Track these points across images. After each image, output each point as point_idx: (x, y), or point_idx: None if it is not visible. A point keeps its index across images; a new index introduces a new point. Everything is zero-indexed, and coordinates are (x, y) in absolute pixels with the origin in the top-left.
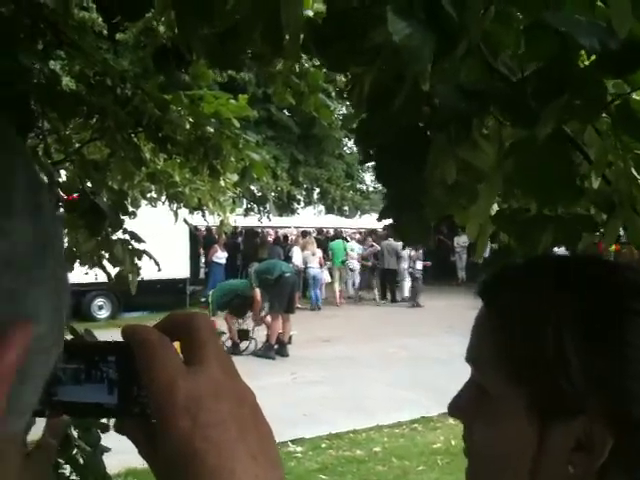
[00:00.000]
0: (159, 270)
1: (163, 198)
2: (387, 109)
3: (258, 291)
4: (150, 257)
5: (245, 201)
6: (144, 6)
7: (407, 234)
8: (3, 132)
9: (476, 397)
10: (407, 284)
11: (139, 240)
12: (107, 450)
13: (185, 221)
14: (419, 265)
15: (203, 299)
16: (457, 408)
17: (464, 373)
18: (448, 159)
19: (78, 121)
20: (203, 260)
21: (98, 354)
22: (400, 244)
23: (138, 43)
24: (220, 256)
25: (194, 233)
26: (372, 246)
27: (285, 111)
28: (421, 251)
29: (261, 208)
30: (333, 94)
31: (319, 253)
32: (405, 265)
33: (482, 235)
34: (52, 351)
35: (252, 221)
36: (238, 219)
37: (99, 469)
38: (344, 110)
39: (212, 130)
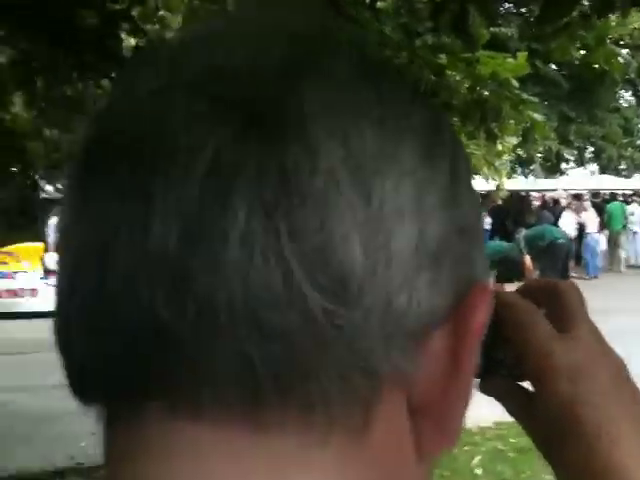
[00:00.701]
0: None
1: None
2: None
3: (528, 258)
4: None
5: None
6: None
7: None
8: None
9: None
10: None
11: None
12: None
13: None
14: None
15: None
16: None
17: None
18: None
19: None
20: None
21: None
22: None
23: (398, 9)
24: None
25: None
26: None
27: (552, 65)
28: None
29: (526, 170)
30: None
31: (595, 217)
32: None
33: None
34: None
35: (516, 184)
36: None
37: None
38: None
39: (489, 92)
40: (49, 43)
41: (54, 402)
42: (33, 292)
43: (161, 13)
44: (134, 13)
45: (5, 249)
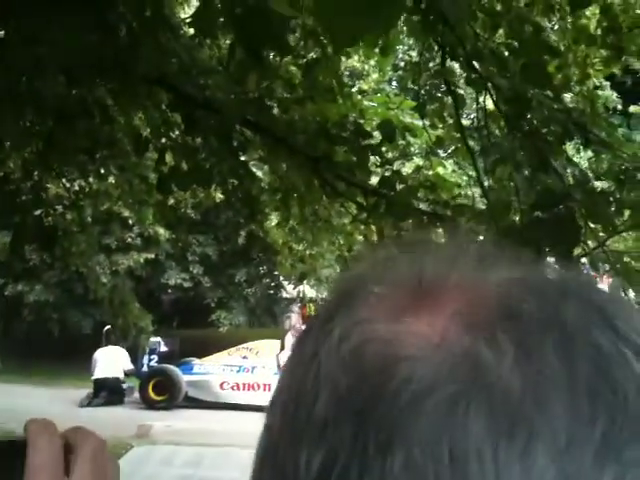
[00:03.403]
0: None
1: None
2: None
3: None
4: None
5: None
6: None
7: None
8: None
9: None
10: None
11: None
12: None
13: None
14: None
15: None
16: None
17: None
18: None
19: None
20: None
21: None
22: None
23: None
24: None
25: None
26: None
27: None
28: None
29: None
30: None
31: None
32: None
33: None
34: None
35: None
36: None
37: None
38: None
39: None
40: (309, 172)
41: None
42: (268, 387)
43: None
44: (385, 149)
45: (247, 344)
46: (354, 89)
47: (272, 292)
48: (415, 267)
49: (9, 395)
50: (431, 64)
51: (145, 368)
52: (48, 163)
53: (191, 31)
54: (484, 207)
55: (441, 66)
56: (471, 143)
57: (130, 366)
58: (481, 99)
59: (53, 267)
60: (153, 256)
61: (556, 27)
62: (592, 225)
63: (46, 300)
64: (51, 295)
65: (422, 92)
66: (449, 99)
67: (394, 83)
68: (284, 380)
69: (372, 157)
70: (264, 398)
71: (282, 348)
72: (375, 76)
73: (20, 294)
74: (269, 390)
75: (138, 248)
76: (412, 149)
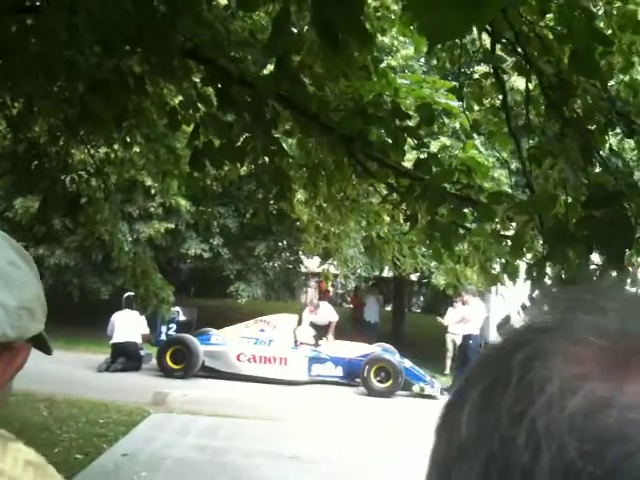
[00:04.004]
0: None
1: None
2: None
3: None
4: None
5: None
6: None
7: None
8: None
9: None
10: None
11: None
12: None
13: None
14: None
15: None
16: None
17: None
18: None
19: None
20: None
21: None
22: None
23: None
24: None
25: None
26: None
27: None
28: None
29: None
30: None
31: None
32: None
33: None
34: None
35: None
36: None
37: None
38: None
39: None
40: (341, 150)
41: (290, 473)
42: (284, 360)
43: None
44: (421, 131)
45: (264, 318)
46: (382, 65)
47: (291, 267)
48: (612, 317)
49: (29, 358)
50: (469, 45)
51: (163, 337)
52: (74, 130)
53: (223, 1)
54: (519, 195)
55: (491, 51)
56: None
57: (147, 330)
58: (522, 84)
59: (74, 232)
60: (173, 226)
61: (601, 12)
62: None
63: (66, 264)
64: (71, 260)
65: (461, 73)
66: (487, 82)
67: (422, 60)
68: (471, 425)
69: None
70: (280, 371)
71: (299, 323)
72: (404, 52)
73: (41, 257)
74: (285, 364)
75: (159, 217)
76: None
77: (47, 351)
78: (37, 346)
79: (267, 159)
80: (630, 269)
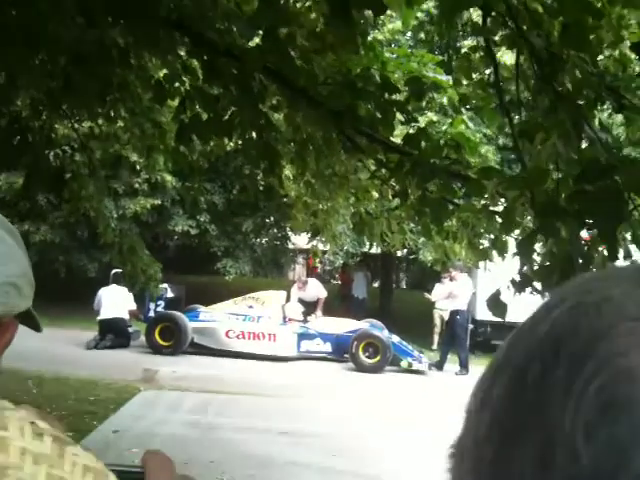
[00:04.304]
0: None
1: None
2: None
3: None
4: None
5: None
6: None
7: None
8: None
9: None
10: None
11: None
12: None
13: None
14: None
15: None
16: None
17: None
18: None
19: None
20: None
21: None
22: None
23: None
24: None
25: None
26: None
27: None
28: None
29: None
30: None
31: None
32: None
33: None
34: None
35: None
36: None
37: None
38: None
39: None
40: (330, 125)
41: (277, 448)
42: (273, 337)
43: None
44: (409, 106)
45: (253, 294)
46: (368, 39)
47: (278, 243)
48: None
49: (16, 336)
50: (458, 19)
51: (152, 314)
52: (57, 103)
53: None
54: (506, 170)
55: (482, 24)
56: (497, 103)
57: (134, 306)
58: (510, 59)
59: (59, 208)
60: (159, 202)
61: None
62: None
63: (52, 241)
64: (57, 236)
65: (449, 46)
66: (476, 55)
67: (408, 34)
68: (519, 396)
69: (397, 114)
70: (269, 347)
71: (288, 299)
72: (391, 26)
73: (26, 234)
74: (274, 340)
75: (145, 193)
76: (430, 105)
77: (36, 328)
78: (25, 323)
79: (255, 134)
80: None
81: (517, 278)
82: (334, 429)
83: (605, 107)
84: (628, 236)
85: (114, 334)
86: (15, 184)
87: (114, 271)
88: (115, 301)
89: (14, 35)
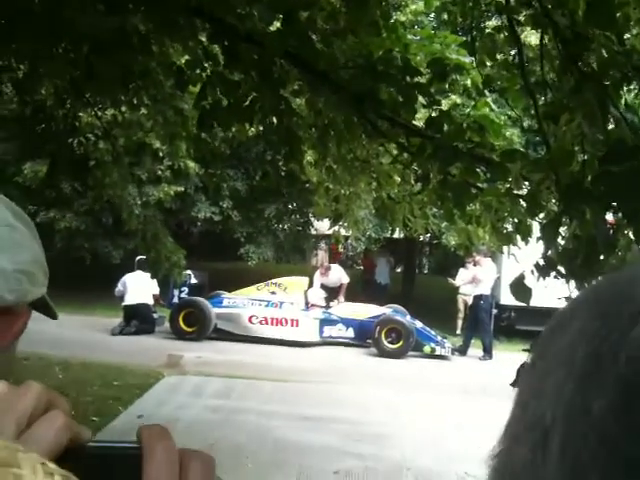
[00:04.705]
0: None
1: None
2: None
3: None
4: None
5: None
6: None
7: None
8: None
9: None
10: None
11: None
12: None
13: None
14: None
15: None
16: None
17: None
18: None
19: None
20: None
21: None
22: None
23: None
24: None
25: None
26: None
27: None
28: None
29: None
30: None
31: None
32: None
33: None
34: None
35: None
36: None
37: None
38: None
39: None
40: (351, 109)
41: (300, 432)
42: (295, 322)
43: None
44: (432, 89)
45: (275, 280)
46: (391, 21)
47: (301, 229)
48: None
49: (42, 322)
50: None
51: (176, 300)
52: (80, 92)
53: None
54: (531, 154)
55: (506, 2)
56: (521, 84)
57: (157, 290)
58: (534, 40)
59: (84, 196)
60: (183, 189)
61: None
62: None
63: (77, 228)
64: (82, 224)
65: (473, 27)
66: (500, 36)
67: (431, 16)
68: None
69: (419, 97)
70: (292, 333)
71: (310, 285)
72: (414, 7)
73: (52, 221)
74: (296, 325)
75: (168, 180)
76: (454, 87)
77: (52, 315)
78: (41, 311)
79: (276, 119)
80: None
81: (541, 262)
82: (356, 414)
83: (632, 87)
84: None
85: (139, 320)
86: (40, 172)
87: (139, 257)
88: (140, 287)
89: (35, 24)
